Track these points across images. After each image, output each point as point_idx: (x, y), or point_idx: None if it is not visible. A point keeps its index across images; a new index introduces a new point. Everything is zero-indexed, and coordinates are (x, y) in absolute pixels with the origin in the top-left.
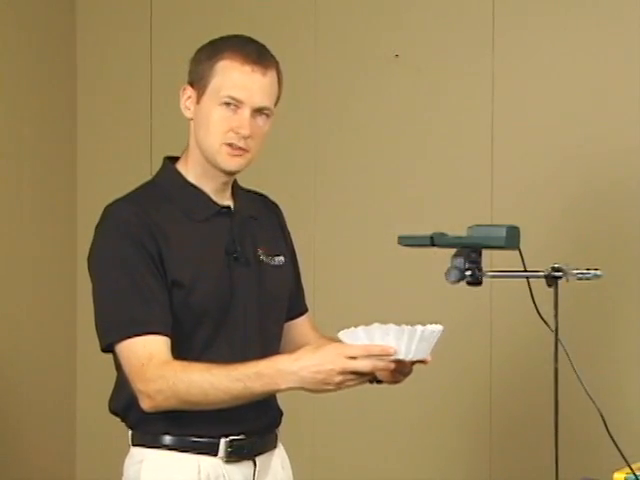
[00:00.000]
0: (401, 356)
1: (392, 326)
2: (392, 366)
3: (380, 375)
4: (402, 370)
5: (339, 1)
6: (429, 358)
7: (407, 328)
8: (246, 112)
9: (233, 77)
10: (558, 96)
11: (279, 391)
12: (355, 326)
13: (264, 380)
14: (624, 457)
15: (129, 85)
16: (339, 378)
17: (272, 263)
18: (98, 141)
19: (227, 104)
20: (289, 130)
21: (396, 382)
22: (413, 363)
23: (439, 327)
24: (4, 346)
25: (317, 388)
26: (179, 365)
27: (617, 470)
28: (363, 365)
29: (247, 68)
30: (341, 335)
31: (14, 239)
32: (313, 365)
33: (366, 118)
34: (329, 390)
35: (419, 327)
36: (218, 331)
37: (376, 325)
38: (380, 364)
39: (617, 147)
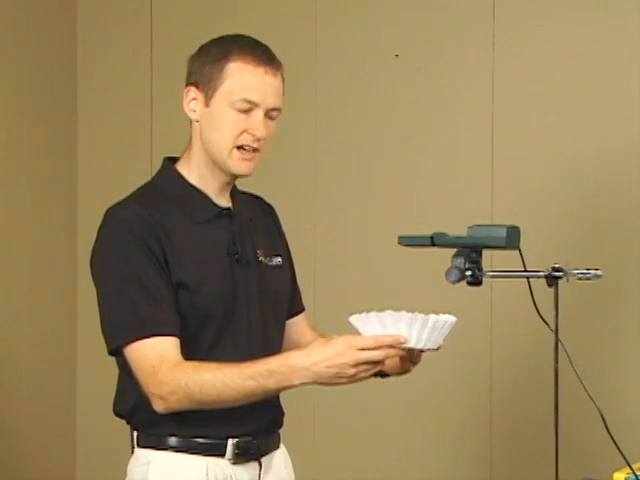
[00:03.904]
0: (412, 344)
1: (404, 313)
2: (403, 353)
3: (389, 366)
4: (411, 359)
5: (339, 1)
6: (442, 343)
7: (420, 316)
8: (260, 114)
9: (247, 79)
10: (558, 96)
11: (292, 387)
12: (366, 312)
13: (277, 377)
14: (624, 457)
15: (129, 85)
16: (352, 370)
17: (271, 264)
18: (98, 141)
19: (241, 107)
20: (289, 130)
21: (405, 372)
22: (422, 351)
23: (452, 318)
24: (5, 347)
25: (330, 382)
26: (190, 366)
27: (617, 470)
28: (375, 355)
29: (260, 70)
30: (353, 320)
31: (14, 239)
32: (325, 359)
33: (366, 118)
34: (342, 383)
35: (432, 316)
36: (222, 332)
37: (389, 312)
38: (392, 352)
39: (617, 147)
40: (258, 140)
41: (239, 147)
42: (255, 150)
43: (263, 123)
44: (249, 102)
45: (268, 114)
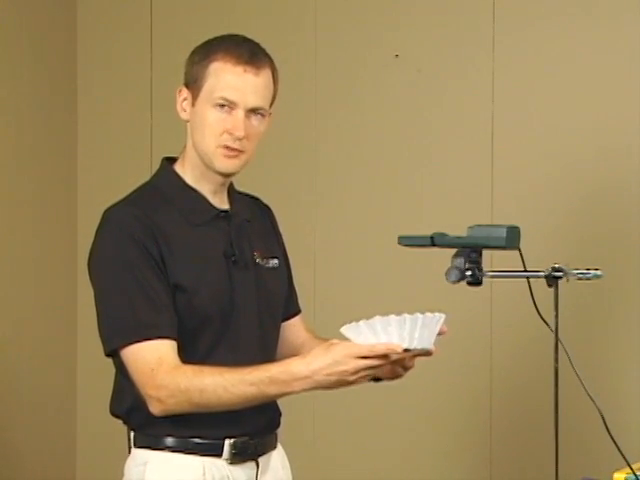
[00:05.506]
0: (405, 345)
1: (393, 317)
2: (402, 356)
3: (380, 372)
4: (403, 364)
5: (339, 1)
6: (433, 349)
7: (408, 317)
8: (240, 113)
9: (226, 79)
10: (558, 96)
11: (294, 393)
12: (356, 321)
13: (278, 384)
14: (624, 457)
15: (129, 85)
16: (352, 377)
17: (267, 266)
18: (98, 141)
19: (221, 106)
20: (289, 130)
21: (397, 377)
22: (415, 356)
23: (441, 314)
24: (5, 347)
25: (330, 387)
26: (190, 370)
27: (617, 470)
28: (374, 362)
29: (239, 69)
30: (344, 330)
31: (14, 240)
32: (326, 367)
33: (366, 118)
34: (343, 387)
35: (420, 314)
36: (220, 335)
37: (377, 318)
38: (392, 357)
39: (617, 147)
40: (239, 140)
41: (222, 146)
42: (239, 150)
43: (243, 123)
44: (227, 101)
45: (251, 113)
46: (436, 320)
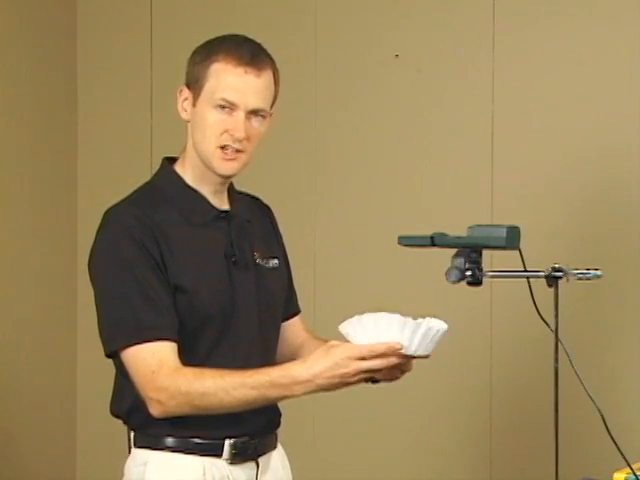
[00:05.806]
0: (402, 350)
1: (398, 316)
2: (403, 360)
3: (378, 373)
4: (399, 366)
5: (339, 1)
6: (431, 353)
7: (410, 322)
8: (240, 115)
9: (227, 80)
10: (558, 96)
11: (295, 397)
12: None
13: (279, 388)
14: (624, 457)
15: (129, 85)
16: (354, 379)
17: (268, 266)
18: (98, 141)
19: (222, 107)
20: (289, 130)
21: (394, 379)
22: (413, 357)
23: (444, 326)
24: (5, 348)
25: (332, 389)
26: (191, 372)
27: (617, 470)
28: (375, 364)
29: (240, 70)
30: (342, 327)
31: (14, 240)
32: (326, 370)
33: (366, 118)
34: (343, 388)
35: (424, 323)
36: (221, 335)
37: (383, 314)
38: (392, 359)
39: (617, 147)
40: (239, 141)
41: (222, 147)
42: (239, 151)
43: (243, 124)
44: (228, 102)
45: (251, 115)
46: (440, 333)
